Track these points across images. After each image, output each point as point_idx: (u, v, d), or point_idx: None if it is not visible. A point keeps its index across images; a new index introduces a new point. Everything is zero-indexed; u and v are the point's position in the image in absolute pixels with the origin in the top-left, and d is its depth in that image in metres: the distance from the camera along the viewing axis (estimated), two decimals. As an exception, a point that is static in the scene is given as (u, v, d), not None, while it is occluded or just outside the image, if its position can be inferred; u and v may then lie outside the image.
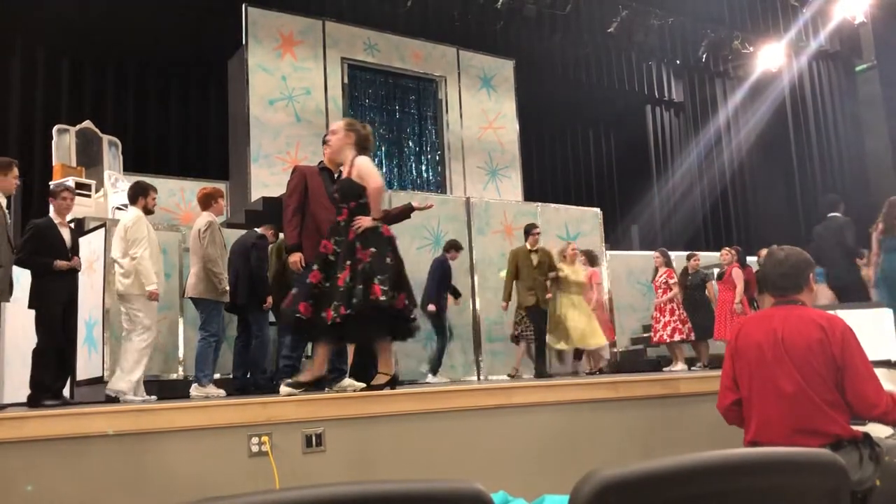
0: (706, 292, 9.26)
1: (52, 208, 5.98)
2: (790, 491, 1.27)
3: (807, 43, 15.06)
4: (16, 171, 5.31)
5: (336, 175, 5.04)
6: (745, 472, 1.24)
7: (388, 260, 4.41)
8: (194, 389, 6.06)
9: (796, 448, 1.40)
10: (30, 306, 5.60)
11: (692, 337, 8.93)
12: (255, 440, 3.70)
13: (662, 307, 8.96)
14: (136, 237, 5.74)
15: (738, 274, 8.93)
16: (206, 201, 6.34)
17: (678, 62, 15.02)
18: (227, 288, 6.24)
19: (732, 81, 15.87)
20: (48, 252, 5.60)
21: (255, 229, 7.05)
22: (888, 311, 4.51)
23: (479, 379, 8.58)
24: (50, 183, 8.22)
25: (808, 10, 14.71)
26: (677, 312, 8.88)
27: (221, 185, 10.27)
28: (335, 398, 4.19)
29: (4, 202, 5.22)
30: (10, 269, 5.19)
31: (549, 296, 8.20)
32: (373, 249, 4.38)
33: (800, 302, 2.87)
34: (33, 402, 5.31)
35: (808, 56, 15.31)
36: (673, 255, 9.76)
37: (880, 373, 3.07)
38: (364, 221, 4.45)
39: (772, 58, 15.02)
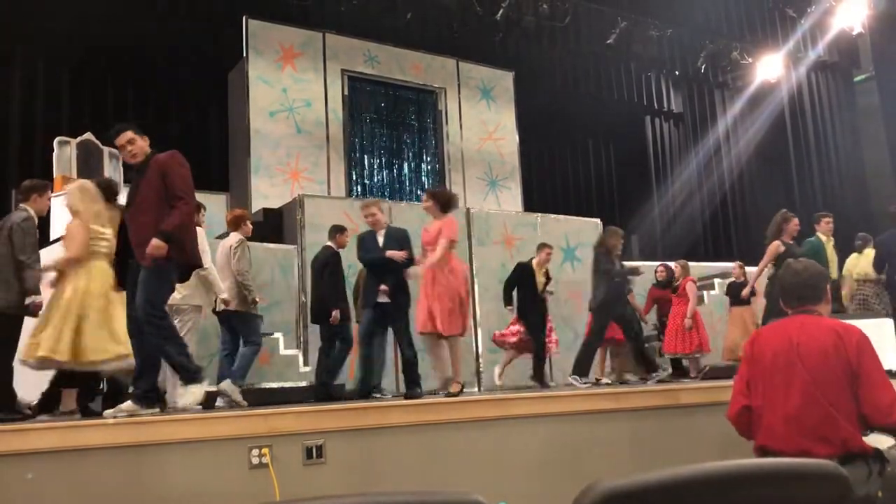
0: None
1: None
2: (793, 501, 1.26)
3: (805, 54, 15.09)
4: (49, 192, 5.54)
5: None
6: (748, 483, 1.24)
7: None
8: (225, 384, 5.96)
9: (799, 459, 1.39)
10: None
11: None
12: (255, 452, 3.69)
13: None
14: (203, 248, 5.79)
15: (691, 288, 8.72)
16: (237, 223, 6.70)
17: (677, 73, 15.03)
18: (256, 299, 6.47)
19: (731, 92, 15.88)
20: None
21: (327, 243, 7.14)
22: (889, 321, 4.51)
23: (479, 390, 8.55)
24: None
25: (807, 20, 14.75)
26: None
27: (222, 197, 10.29)
28: (336, 409, 4.17)
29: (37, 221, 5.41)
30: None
31: None
32: None
33: (816, 312, 2.89)
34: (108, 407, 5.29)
35: (806, 67, 15.34)
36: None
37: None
38: None
39: (770, 68, 15.04)
